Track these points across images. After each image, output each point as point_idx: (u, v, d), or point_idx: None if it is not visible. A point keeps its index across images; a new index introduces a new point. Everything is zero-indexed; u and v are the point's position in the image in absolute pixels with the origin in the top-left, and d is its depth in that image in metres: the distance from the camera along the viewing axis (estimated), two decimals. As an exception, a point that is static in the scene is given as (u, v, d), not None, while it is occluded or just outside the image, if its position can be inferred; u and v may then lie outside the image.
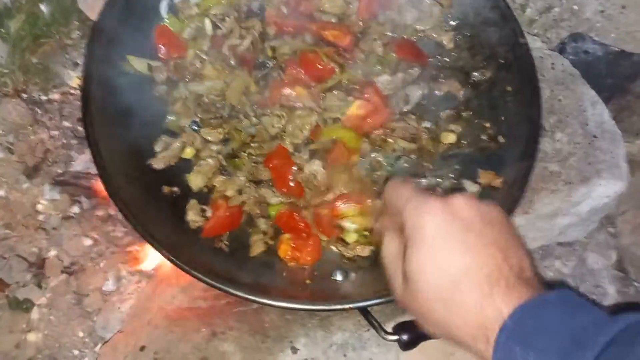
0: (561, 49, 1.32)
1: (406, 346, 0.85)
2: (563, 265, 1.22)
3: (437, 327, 0.66)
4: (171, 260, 0.89)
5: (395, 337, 0.85)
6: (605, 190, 1.07)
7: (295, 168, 0.97)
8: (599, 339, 0.54)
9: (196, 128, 1.00)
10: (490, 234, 0.66)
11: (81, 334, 1.07)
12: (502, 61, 1.08)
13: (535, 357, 0.56)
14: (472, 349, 0.63)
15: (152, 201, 0.96)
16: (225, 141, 1.01)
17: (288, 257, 0.93)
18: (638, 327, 0.55)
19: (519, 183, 0.96)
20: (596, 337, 0.54)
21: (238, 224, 0.97)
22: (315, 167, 0.96)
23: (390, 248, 0.71)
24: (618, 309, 0.65)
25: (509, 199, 0.95)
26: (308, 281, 0.93)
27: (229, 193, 0.97)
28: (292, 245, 0.93)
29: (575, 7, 1.35)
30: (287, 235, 0.95)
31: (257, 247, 0.96)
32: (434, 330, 0.67)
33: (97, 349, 1.06)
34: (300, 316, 0.93)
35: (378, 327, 0.87)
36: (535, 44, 1.22)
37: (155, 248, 0.90)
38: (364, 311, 0.89)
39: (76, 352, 1.06)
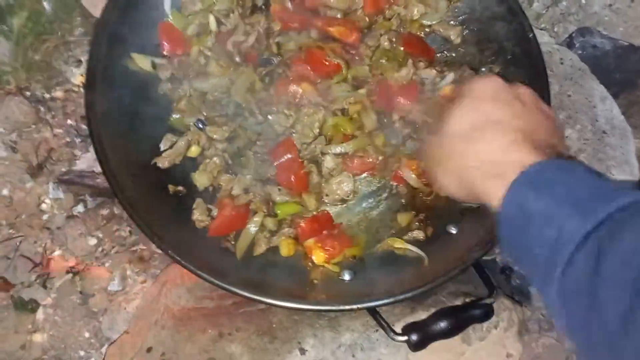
0: (569, 44, 1.30)
1: (416, 347, 0.84)
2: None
3: (452, 168, 0.69)
4: (177, 261, 0.88)
5: (405, 338, 0.85)
6: (615, 187, 1.05)
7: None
8: (615, 201, 0.54)
9: (201, 126, 0.99)
10: (536, 111, 0.71)
11: (87, 335, 1.06)
12: (510, 56, 1.06)
13: (548, 204, 0.57)
14: (479, 189, 0.65)
15: (157, 200, 0.95)
16: (230, 139, 0.99)
17: (326, 259, 0.93)
18: None
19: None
20: (613, 198, 0.55)
21: (244, 224, 0.95)
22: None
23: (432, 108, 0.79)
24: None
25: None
26: (316, 281, 0.92)
27: (235, 192, 0.96)
28: (321, 246, 0.92)
29: (583, 1, 1.34)
30: (311, 240, 0.94)
31: (260, 247, 0.95)
32: (447, 176, 0.70)
33: (103, 349, 1.05)
34: (308, 317, 0.92)
35: (387, 328, 0.86)
36: (543, 39, 1.20)
37: (161, 248, 0.89)
38: (373, 311, 0.88)
39: (82, 352, 1.06)
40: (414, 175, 0.98)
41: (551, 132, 0.71)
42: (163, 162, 0.97)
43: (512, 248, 0.62)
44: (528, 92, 0.74)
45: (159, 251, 1.10)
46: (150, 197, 0.95)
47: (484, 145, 0.66)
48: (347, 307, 0.87)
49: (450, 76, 1.04)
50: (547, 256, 0.56)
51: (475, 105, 0.70)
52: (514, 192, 0.60)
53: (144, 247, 1.12)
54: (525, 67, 1.04)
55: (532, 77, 1.03)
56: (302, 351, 0.88)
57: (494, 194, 0.62)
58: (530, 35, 1.04)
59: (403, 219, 0.99)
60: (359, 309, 0.86)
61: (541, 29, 1.30)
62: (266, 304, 0.86)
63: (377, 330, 0.93)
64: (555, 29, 1.34)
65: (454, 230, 0.96)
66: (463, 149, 0.68)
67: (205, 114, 1.00)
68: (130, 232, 1.14)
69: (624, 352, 0.47)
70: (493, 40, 1.08)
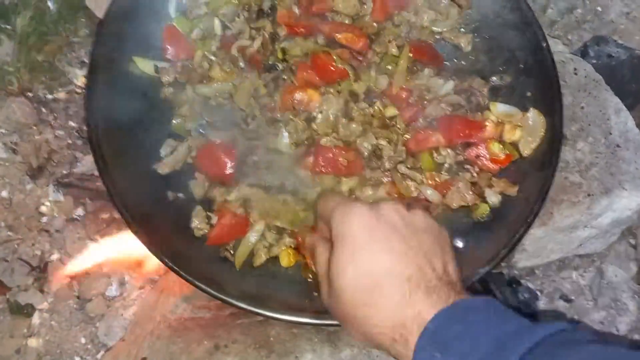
0: (583, 53, 1.27)
1: (416, 365, 0.81)
2: (580, 277, 1.18)
3: (358, 330, 0.66)
4: (174, 270, 0.86)
5: (405, 356, 0.82)
6: (628, 202, 1.02)
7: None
8: (521, 346, 0.54)
9: (203, 132, 0.97)
10: (414, 238, 0.66)
11: (83, 340, 1.04)
12: (522, 66, 1.03)
13: None
14: (392, 352, 0.63)
15: (156, 207, 0.94)
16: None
17: None
18: (559, 336, 0.55)
19: (537, 194, 0.93)
20: (518, 343, 0.54)
21: (244, 233, 0.93)
22: None
23: (321, 258, 0.71)
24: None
25: (526, 210, 0.92)
26: (316, 294, 0.90)
27: (231, 199, 0.94)
28: None
29: (599, 8, 1.30)
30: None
31: (260, 257, 0.93)
32: (355, 334, 0.67)
33: (99, 355, 1.03)
34: (307, 330, 0.89)
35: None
36: (557, 47, 1.17)
37: (158, 257, 0.87)
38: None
39: (78, 358, 1.04)
40: (431, 191, 0.96)
41: (439, 255, 0.67)
42: (163, 168, 0.95)
43: None
44: (399, 216, 0.68)
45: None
46: (149, 203, 0.93)
47: (380, 310, 0.63)
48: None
49: (450, 84, 1.02)
50: None
51: (352, 259, 0.65)
52: (420, 356, 0.59)
53: (143, 253, 1.10)
54: (538, 77, 1.01)
55: (544, 88, 1.00)
56: (300, 366, 0.86)
57: (404, 357, 0.61)
58: (544, 44, 1.01)
59: None
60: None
61: (554, 37, 1.27)
62: (264, 316, 0.84)
63: (377, 347, 0.90)
64: (569, 37, 1.31)
65: (460, 244, 0.93)
66: (361, 316, 0.64)
67: (207, 120, 0.98)
68: (130, 237, 1.12)
69: None
70: (505, 48, 1.05)
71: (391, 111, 0.99)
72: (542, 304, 1.16)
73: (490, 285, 0.90)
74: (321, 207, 0.75)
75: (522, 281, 1.17)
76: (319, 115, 0.96)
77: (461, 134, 0.96)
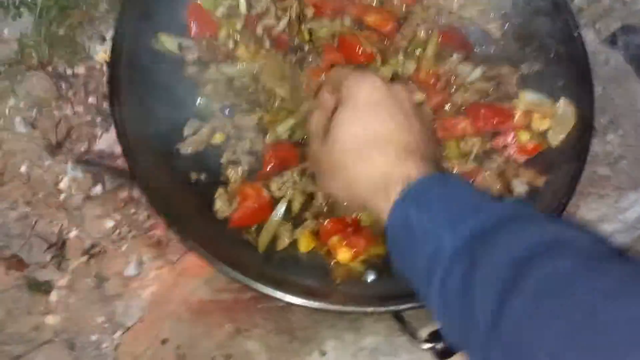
0: (611, 42, 1.24)
1: (442, 355, 0.81)
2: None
3: (341, 180, 0.70)
4: (196, 252, 0.85)
5: (430, 345, 0.81)
6: (656, 197, 1.01)
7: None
8: (487, 214, 0.59)
9: (227, 112, 0.95)
10: (418, 121, 0.72)
11: (100, 319, 1.04)
12: (553, 54, 1.01)
13: (427, 219, 0.61)
14: (370, 204, 0.68)
15: (178, 187, 0.93)
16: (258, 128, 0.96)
17: (352, 258, 0.89)
18: (525, 210, 0.63)
19: (565, 186, 0.91)
20: (485, 211, 0.59)
21: (267, 216, 0.92)
22: None
23: (319, 117, 0.77)
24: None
25: (554, 202, 0.90)
26: (338, 280, 0.89)
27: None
28: (346, 244, 0.89)
29: (628, -4, 1.28)
30: (336, 238, 0.90)
31: (283, 241, 0.92)
32: (337, 187, 0.72)
33: (116, 335, 1.03)
34: (329, 317, 0.89)
35: (412, 333, 0.83)
36: (588, 36, 1.15)
37: (180, 237, 0.87)
38: (398, 315, 0.85)
39: (95, 337, 1.03)
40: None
41: (431, 141, 0.73)
42: (186, 148, 0.94)
43: (398, 261, 0.66)
44: (408, 97, 0.75)
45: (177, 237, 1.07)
46: (171, 183, 0.92)
47: (371, 162, 0.68)
48: (371, 309, 0.84)
49: (478, 70, 1.00)
50: (428, 268, 0.60)
51: (357, 116, 0.71)
52: (398, 207, 0.64)
53: (162, 233, 1.10)
54: (569, 67, 0.99)
55: (575, 78, 0.98)
56: (322, 353, 0.85)
57: (382, 208, 0.65)
58: (576, 34, 0.99)
59: None
60: (382, 312, 0.83)
61: (582, 25, 1.24)
62: (287, 302, 0.83)
63: (400, 335, 0.89)
64: (597, 26, 1.28)
65: (485, 235, 0.92)
66: (350, 165, 0.69)
67: (231, 100, 0.97)
68: (148, 216, 1.11)
69: (492, 349, 0.50)
70: (535, 36, 1.03)
71: (418, 96, 0.97)
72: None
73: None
74: (333, 74, 0.81)
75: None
76: None
77: (490, 122, 0.95)
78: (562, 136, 0.95)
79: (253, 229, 0.92)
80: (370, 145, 0.68)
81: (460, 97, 0.97)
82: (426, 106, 0.78)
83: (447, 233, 0.59)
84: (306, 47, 0.98)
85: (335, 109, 0.73)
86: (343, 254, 0.89)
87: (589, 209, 0.98)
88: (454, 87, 0.99)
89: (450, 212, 0.60)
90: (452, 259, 0.57)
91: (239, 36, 0.99)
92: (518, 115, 0.95)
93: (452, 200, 0.62)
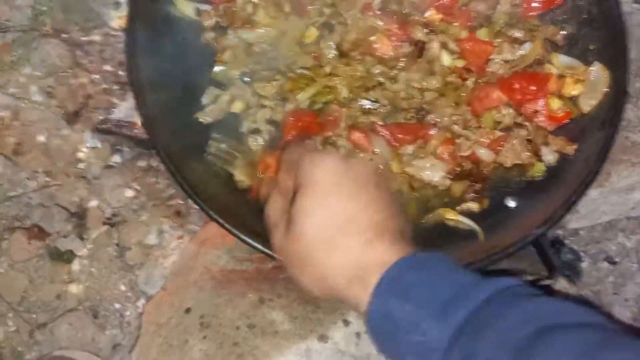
0: (644, 1, 1.18)
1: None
2: (627, 239, 1.14)
3: (313, 274, 0.66)
4: (217, 222, 0.85)
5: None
6: (689, 163, 0.97)
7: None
8: (475, 297, 0.55)
9: (247, 79, 0.93)
10: (380, 193, 0.68)
11: (123, 288, 1.05)
12: (586, 15, 0.96)
13: (411, 310, 0.57)
14: (346, 296, 0.63)
15: (198, 157, 0.91)
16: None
17: None
18: (514, 289, 0.58)
19: (596, 153, 0.88)
20: (473, 295, 0.56)
21: None
22: None
23: (275, 204, 0.73)
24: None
25: (585, 170, 0.87)
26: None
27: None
28: None
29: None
30: None
31: None
32: (309, 281, 0.67)
33: (139, 303, 1.04)
34: (353, 288, 0.88)
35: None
36: (621, -4, 1.09)
37: (201, 207, 0.86)
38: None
39: (118, 305, 1.04)
40: (484, 150, 0.91)
41: (399, 215, 0.68)
42: (205, 117, 0.92)
43: (385, 353, 0.62)
44: (367, 170, 0.71)
45: (197, 207, 1.06)
46: (190, 152, 0.91)
47: (342, 251, 0.64)
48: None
49: (527, 45, 0.95)
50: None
51: (319, 203, 0.66)
52: (377, 299, 0.60)
53: (182, 202, 1.09)
54: (602, 29, 0.95)
55: (609, 41, 0.94)
56: (346, 323, 0.85)
57: (360, 299, 0.61)
58: (610, -7, 0.94)
59: (457, 188, 0.92)
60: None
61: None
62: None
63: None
64: (628, -16, 1.22)
65: (512, 204, 0.90)
66: (321, 257, 0.65)
67: (250, 67, 0.94)
68: (167, 185, 1.10)
69: None
70: (568, -5, 0.98)
71: (459, 62, 0.94)
72: (585, 265, 1.14)
73: (546, 249, 0.87)
74: (286, 155, 0.76)
75: (566, 242, 1.14)
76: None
77: (528, 91, 0.91)
78: (594, 102, 0.91)
79: None
80: (339, 233, 0.64)
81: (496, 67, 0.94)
82: (387, 174, 0.77)
83: (435, 324, 0.55)
84: (327, 11, 0.94)
85: (294, 194, 0.69)
86: None
87: (620, 177, 0.95)
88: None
89: (436, 300, 0.57)
90: (445, 353, 0.54)
91: (257, 0, 0.96)
92: (551, 80, 0.92)
93: (435, 285, 0.59)
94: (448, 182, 0.90)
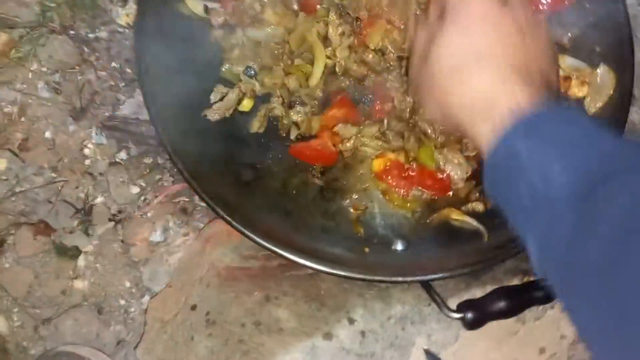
0: (650, 5, 1.19)
1: (471, 325, 0.80)
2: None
3: (443, 103, 0.63)
4: (224, 219, 0.85)
5: (460, 315, 0.80)
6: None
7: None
8: (614, 157, 0.50)
9: (253, 73, 0.93)
10: (533, 38, 0.63)
11: (128, 284, 1.05)
12: (591, 17, 0.97)
13: (540, 155, 0.53)
14: (469, 129, 0.61)
15: (206, 155, 0.91)
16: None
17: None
18: None
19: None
20: (612, 153, 0.51)
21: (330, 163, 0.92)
22: None
23: (421, 33, 0.70)
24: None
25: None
26: (367, 249, 0.88)
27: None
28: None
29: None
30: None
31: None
32: (437, 108, 0.65)
33: (143, 299, 1.04)
34: (358, 286, 0.88)
35: (441, 303, 0.82)
36: (627, -1, 1.09)
37: (208, 204, 0.86)
38: (426, 285, 0.84)
39: (122, 301, 1.05)
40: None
41: (548, 64, 0.65)
42: (213, 115, 0.92)
43: (497, 193, 0.59)
44: (523, 12, 0.65)
45: (202, 204, 1.07)
46: (198, 150, 0.91)
47: (473, 84, 0.61)
48: (400, 278, 0.83)
49: None
50: (531, 204, 0.53)
51: (462, 32, 0.63)
52: (505, 138, 0.56)
53: (187, 199, 1.09)
54: (608, 31, 0.95)
55: (615, 43, 0.94)
56: (351, 321, 0.85)
57: (483, 136, 0.58)
58: (617, -5, 0.94)
59: (463, 188, 0.93)
60: (412, 281, 0.82)
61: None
62: (317, 270, 0.83)
63: (429, 305, 0.89)
64: (633, -13, 1.23)
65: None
66: (450, 85, 0.63)
67: (257, 62, 0.94)
68: (173, 182, 1.10)
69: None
70: (573, -2, 0.99)
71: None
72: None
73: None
74: None
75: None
76: None
77: None
78: (599, 104, 0.91)
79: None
80: (474, 65, 0.61)
81: None
82: (544, 27, 0.68)
83: (563, 173, 0.50)
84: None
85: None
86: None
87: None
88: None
89: (569, 152, 0.52)
90: (568, 206, 0.49)
91: (266, -2, 0.96)
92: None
93: (571, 137, 0.54)
94: (462, 184, 0.90)
